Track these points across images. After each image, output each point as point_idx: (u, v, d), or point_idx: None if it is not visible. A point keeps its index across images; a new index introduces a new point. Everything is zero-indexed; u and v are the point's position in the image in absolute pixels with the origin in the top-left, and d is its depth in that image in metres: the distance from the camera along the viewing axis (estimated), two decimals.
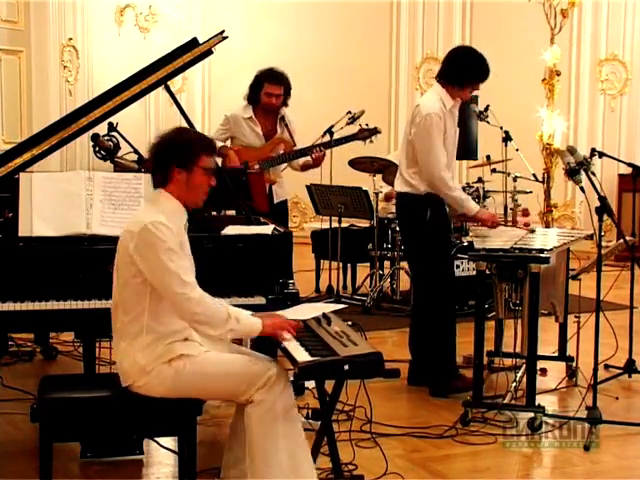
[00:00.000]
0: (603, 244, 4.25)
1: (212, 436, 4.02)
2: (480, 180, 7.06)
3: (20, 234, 3.76)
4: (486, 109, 5.79)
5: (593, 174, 4.30)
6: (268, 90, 5.87)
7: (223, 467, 3.33)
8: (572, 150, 4.33)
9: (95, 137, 5.00)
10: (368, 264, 7.67)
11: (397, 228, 6.88)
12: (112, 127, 5.00)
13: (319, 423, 3.44)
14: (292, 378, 3.11)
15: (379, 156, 7.36)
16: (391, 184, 6.27)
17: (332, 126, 6.68)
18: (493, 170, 7.07)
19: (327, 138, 6.52)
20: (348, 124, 6.50)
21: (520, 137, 6.87)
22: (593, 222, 4.29)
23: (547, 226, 9.20)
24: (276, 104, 5.91)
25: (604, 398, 4.55)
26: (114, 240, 3.23)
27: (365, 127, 6.20)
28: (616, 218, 4.56)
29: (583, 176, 4.26)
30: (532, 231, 4.86)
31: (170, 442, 3.79)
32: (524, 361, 4.44)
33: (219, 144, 6.02)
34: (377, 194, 7.27)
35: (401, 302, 7.09)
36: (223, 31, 4.28)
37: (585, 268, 4.87)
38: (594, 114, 10.44)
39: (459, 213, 4.95)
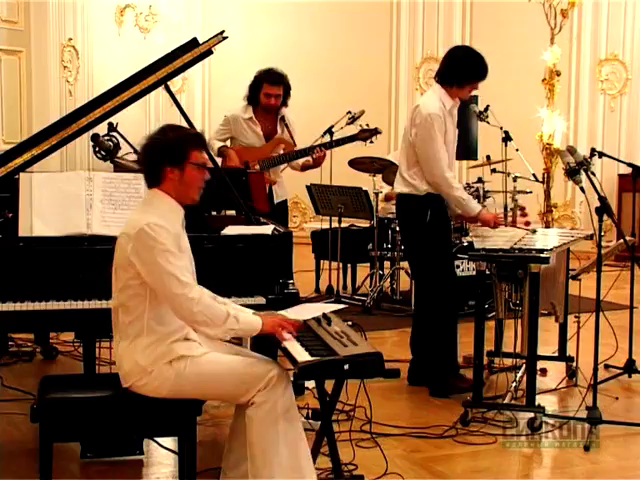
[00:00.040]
0: (603, 244, 4.25)
1: (212, 436, 4.02)
2: (480, 180, 7.05)
3: (20, 234, 3.76)
4: (486, 109, 5.79)
5: (593, 174, 4.30)
6: (267, 90, 5.88)
7: (223, 469, 3.33)
8: (572, 150, 4.33)
9: (95, 137, 5.00)
10: (368, 264, 7.67)
11: (397, 228, 6.89)
12: (112, 127, 5.00)
13: (319, 423, 3.44)
14: (292, 378, 3.11)
15: (379, 156, 7.36)
16: (391, 184, 6.27)
17: (332, 126, 6.68)
18: (493, 170, 7.07)
19: (327, 138, 6.53)
20: (348, 124, 6.51)
21: (520, 137, 6.86)
22: (593, 222, 4.29)
23: (547, 226, 9.21)
24: (275, 104, 5.91)
25: (604, 398, 4.55)
26: (114, 240, 3.22)
27: (366, 127, 6.21)
28: (616, 218, 4.56)
29: (583, 176, 4.26)
30: (533, 232, 4.86)
31: (170, 442, 3.79)
32: (524, 361, 4.44)
33: (219, 144, 6.04)
34: (377, 194, 7.27)
35: (401, 302, 7.09)
36: (223, 31, 4.27)
37: (585, 268, 4.87)
38: (594, 114, 10.44)
39: (458, 213, 4.95)
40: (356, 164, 7.36)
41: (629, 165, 5.39)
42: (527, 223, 5.78)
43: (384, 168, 7.18)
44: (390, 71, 11.36)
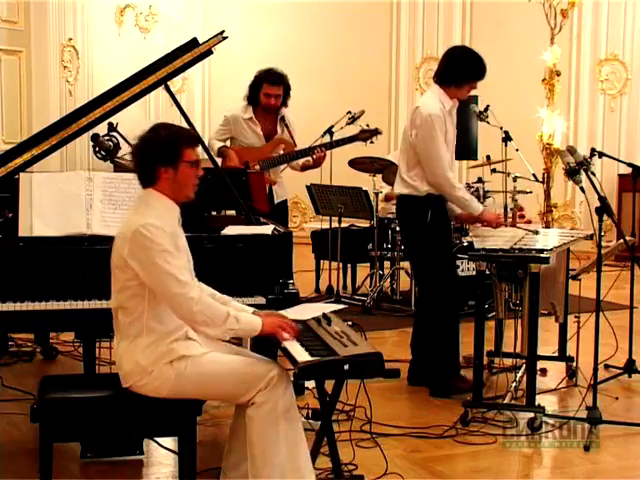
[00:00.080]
0: (603, 244, 4.25)
1: (212, 436, 4.02)
2: (480, 180, 7.06)
3: (20, 234, 3.76)
4: (486, 109, 5.79)
5: (593, 174, 4.30)
6: (267, 91, 5.88)
7: (223, 469, 3.33)
8: (572, 150, 4.33)
9: (95, 137, 4.99)
10: (368, 264, 7.67)
11: (397, 228, 6.89)
12: (112, 127, 4.99)
13: (319, 423, 3.44)
14: (292, 378, 3.11)
15: (379, 156, 7.36)
16: (391, 184, 6.27)
17: (332, 126, 6.68)
18: (493, 170, 7.07)
19: (327, 138, 6.53)
20: (348, 124, 6.51)
21: (520, 137, 6.86)
22: (593, 222, 4.29)
23: (547, 226, 9.20)
24: (275, 105, 5.91)
25: (604, 398, 4.55)
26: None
27: (366, 128, 6.21)
28: (616, 218, 4.56)
29: (583, 176, 4.26)
30: (536, 232, 4.85)
31: (170, 442, 3.79)
32: (524, 361, 4.44)
33: (219, 144, 6.03)
34: (377, 194, 7.27)
35: (401, 302, 7.09)
36: (223, 31, 4.27)
37: (585, 268, 4.87)
38: (594, 114, 10.44)
39: (457, 214, 4.95)
40: (356, 164, 7.36)
41: (629, 165, 5.39)
42: (528, 222, 5.77)
43: (384, 168, 7.18)
44: (390, 71, 11.36)
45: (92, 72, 10.50)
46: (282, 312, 3.34)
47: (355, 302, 7.13)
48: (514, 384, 4.54)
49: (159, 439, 3.77)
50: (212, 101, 11.47)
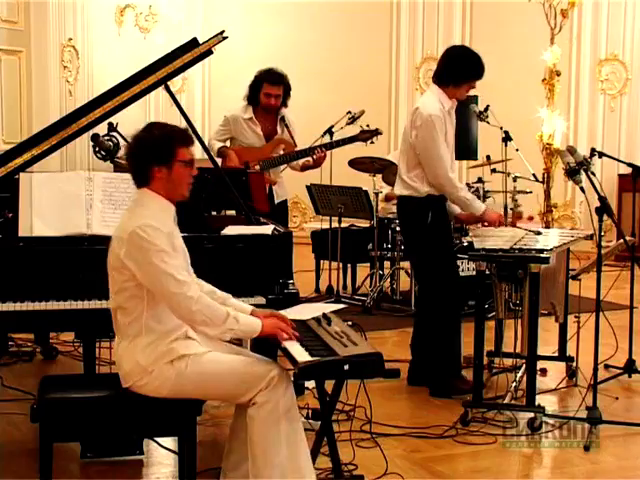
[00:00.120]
0: (603, 244, 4.25)
1: (212, 436, 4.02)
2: (480, 180, 7.06)
3: (20, 234, 3.76)
4: (486, 109, 5.79)
5: (593, 174, 4.30)
6: (267, 91, 5.88)
7: (223, 469, 3.33)
8: (572, 150, 4.33)
9: (95, 137, 5.00)
10: (368, 264, 7.67)
11: (397, 228, 6.89)
12: (112, 127, 4.99)
13: (319, 423, 3.44)
14: (292, 378, 3.11)
15: (379, 156, 7.36)
16: (391, 184, 6.27)
17: (332, 126, 6.69)
18: (493, 170, 7.07)
19: (327, 138, 6.53)
20: (348, 124, 6.51)
21: (520, 137, 6.86)
22: (593, 222, 4.29)
23: (547, 226, 9.20)
24: (275, 105, 5.91)
25: (604, 398, 4.55)
26: None
27: (366, 128, 6.21)
28: (616, 218, 4.56)
29: (583, 176, 4.26)
30: (538, 233, 4.85)
31: (170, 442, 3.79)
32: (524, 361, 4.44)
33: (219, 144, 6.03)
34: (377, 194, 7.27)
35: (401, 302, 7.09)
36: (223, 31, 4.27)
37: (585, 268, 4.87)
38: (594, 114, 10.44)
39: (457, 214, 4.95)
40: (356, 164, 7.36)
41: (629, 165, 5.39)
42: (530, 218, 5.76)
43: (384, 168, 7.18)
44: (390, 71, 11.36)
45: (92, 72, 10.51)
46: (282, 312, 3.34)
47: (355, 302, 7.13)
48: (514, 384, 4.54)
49: (159, 439, 3.77)
50: (212, 101, 11.48)
